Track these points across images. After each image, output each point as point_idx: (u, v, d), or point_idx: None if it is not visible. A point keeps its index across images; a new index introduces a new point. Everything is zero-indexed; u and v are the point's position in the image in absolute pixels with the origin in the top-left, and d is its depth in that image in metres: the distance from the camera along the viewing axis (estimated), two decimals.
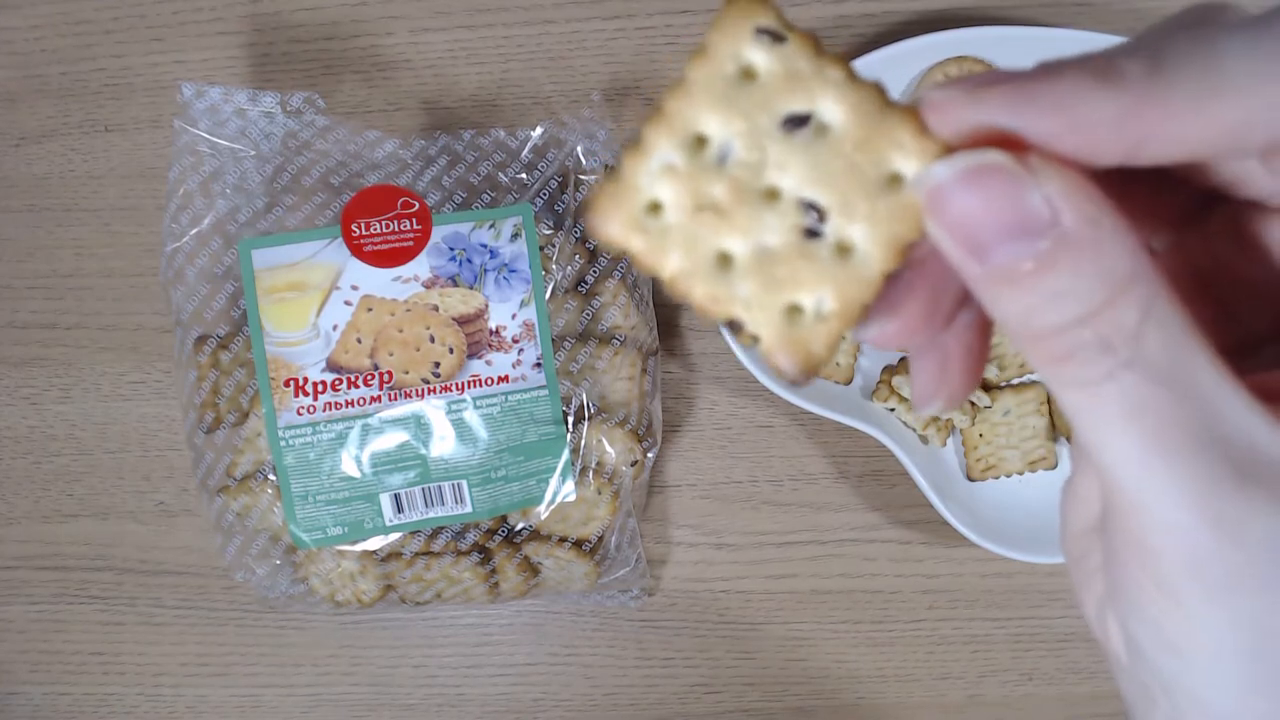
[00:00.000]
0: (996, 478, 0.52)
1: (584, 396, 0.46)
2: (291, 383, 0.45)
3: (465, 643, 0.55)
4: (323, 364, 0.45)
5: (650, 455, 0.48)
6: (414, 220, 0.46)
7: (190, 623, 0.55)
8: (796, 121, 0.19)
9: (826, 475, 0.54)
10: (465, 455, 0.46)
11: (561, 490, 0.46)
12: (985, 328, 0.21)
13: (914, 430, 0.52)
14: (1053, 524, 0.50)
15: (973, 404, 0.51)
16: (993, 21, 0.52)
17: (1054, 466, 0.52)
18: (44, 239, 0.55)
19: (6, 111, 0.55)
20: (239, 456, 0.46)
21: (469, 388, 0.45)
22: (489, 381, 0.46)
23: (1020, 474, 0.52)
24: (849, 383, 0.52)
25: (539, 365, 0.46)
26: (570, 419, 0.46)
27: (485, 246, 0.46)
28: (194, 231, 0.47)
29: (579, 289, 0.48)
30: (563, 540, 0.47)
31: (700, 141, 0.19)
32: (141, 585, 0.55)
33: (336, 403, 0.45)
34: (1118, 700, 0.54)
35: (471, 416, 0.46)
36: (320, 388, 0.45)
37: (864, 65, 0.49)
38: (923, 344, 0.21)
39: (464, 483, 0.46)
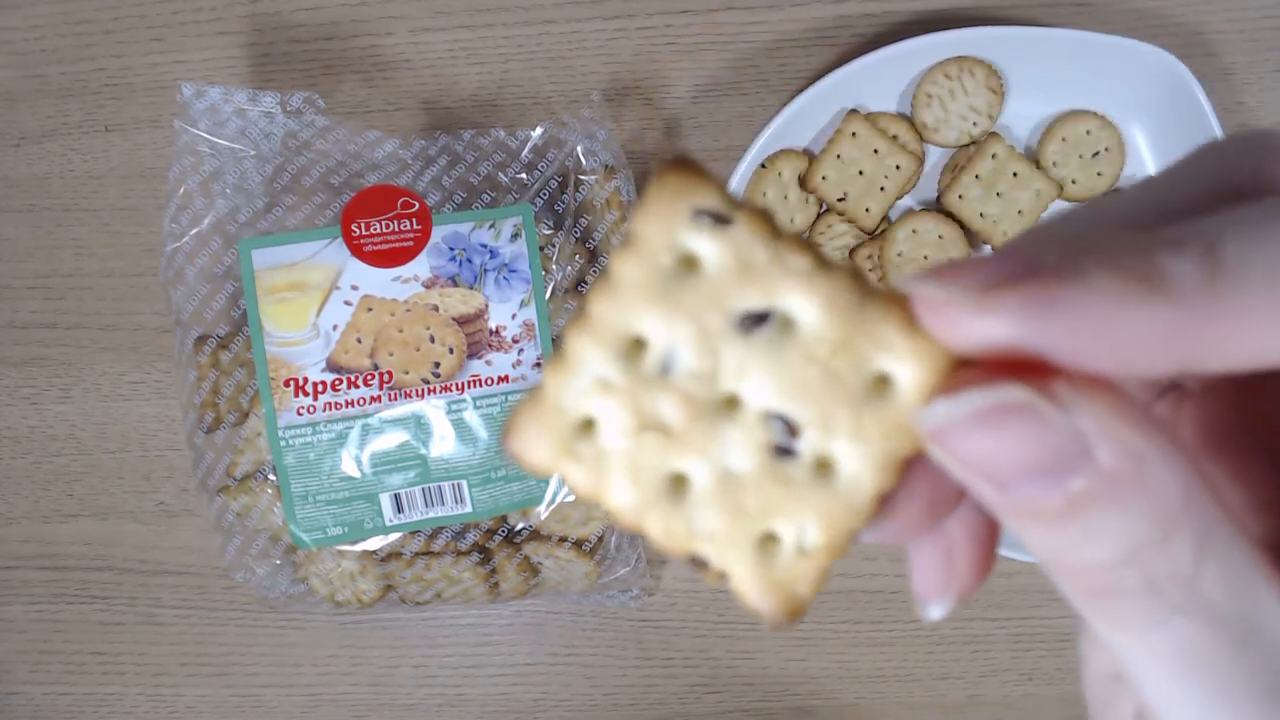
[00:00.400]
0: None
1: None
2: (291, 383, 0.45)
3: (465, 643, 0.55)
4: (323, 364, 0.45)
5: None
6: (414, 220, 0.46)
7: (190, 623, 0.55)
8: (755, 320, 0.15)
9: None
10: (465, 455, 0.46)
11: (561, 490, 0.46)
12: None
13: None
14: None
15: None
16: (993, 21, 0.52)
17: None
18: (44, 239, 0.55)
19: (6, 111, 0.55)
20: (239, 456, 0.46)
21: (469, 388, 0.45)
22: (489, 381, 0.46)
23: None
24: None
25: (539, 365, 0.46)
26: None
27: (485, 246, 0.46)
28: (194, 231, 0.47)
29: (579, 289, 0.48)
30: (563, 540, 0.47)
31: (637, 345, 0.16)
32: (141, 585, 0.55)
33: (336, 403, 0.45)
34: None
35: (471, 416, 0.46)
36: (320, 388, 0.45)
37: (864, 66, 0.49)
38: (924, 538, 0.18)
39: (464, 483, 0.46)
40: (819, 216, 0.52)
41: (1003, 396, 0.14)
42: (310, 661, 0.55)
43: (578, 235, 0.48)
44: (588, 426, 0.16)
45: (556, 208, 0.48)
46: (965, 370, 0.15)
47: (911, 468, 0.16)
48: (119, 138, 0.55)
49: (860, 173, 0.50)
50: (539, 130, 0.48)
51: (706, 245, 0.15)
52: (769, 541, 0.16)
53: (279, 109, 0.47)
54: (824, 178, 0.50)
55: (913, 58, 0.50)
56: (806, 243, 0.16)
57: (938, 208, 0.52)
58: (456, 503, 0.46)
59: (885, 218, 0.52)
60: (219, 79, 0.55)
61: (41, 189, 0.55)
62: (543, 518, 0.47)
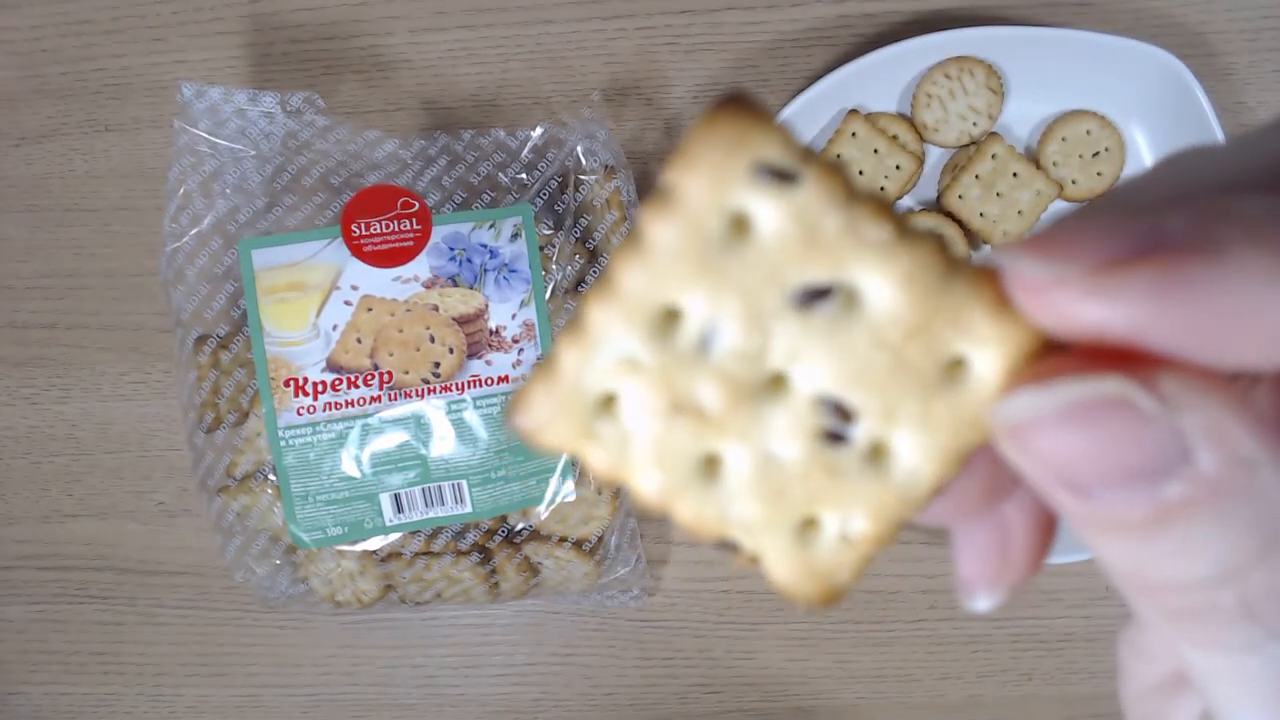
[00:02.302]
0: None
1: None
2: (291, 383, 0.45)
3: (465, 643, 0.55)
4: (323, 364, 0.45)
5: None
6: (414, 220, 0.46)
7: (190, 623, 0.55)
8: (815, 295, 0.13)
9: None
10: (465, 455, 0.46)
11: (561, 490, 0.46)
12: None
13: None
14: None
15: None
16: (992, 21, 0.52)
17: None
18: (44, 239, 0.55)
19: (7, 111, 0.55)
20: (239, 456, 0.46)
21: (469, 388, 0.45)
22: (489, 381, 0.46)
23: None
24: None
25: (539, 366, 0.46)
26: None
27: (485, 246, 0.46)
28: (194, 231, 0.47)
29: (579, 289, 0.48)
30: (563, 540, 0.47)
31: (670, 317, 0.14)
32: (141, 585, 0.55)
33: (336, 403, 0.45)
34: (1116, 700, 0.54)
35: (471, 416, 0.46)
36: (320, 388, 0.45)
37: (864, 66, 0.49)
38: (976, 520, 0.16)
39: (464, 483, 0.46)
40: None
41: (1100, 390, 0.12)
42: (310, 661, 0.55)
43: (578, 235, 0.48)
44: (608, 403, 0.14)
45: (556, 208, 0.48)
46: (1051, 357, 0.13)
47: (971, 459, 0.14)
48: (119, 138, 0.55)
49: (860, 173, 0.50)
50: (539, 130, 0.48)
51: (765, 207, 0.13)
52: (809, 527, 0.15)
53: (279, 109, 0.47)
54: None
55: (912, 58, 0.50)
56: (887, 207, 0.13)
57: (938, 207, 0.52)
58: (456, 503, 0.46)
59: None
60: (219, 79, 0.55)
61: (42, 189, 0.55)
62: (543, 518, 0.47)
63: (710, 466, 0.14)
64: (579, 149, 0.48)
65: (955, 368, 0.14)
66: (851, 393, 0.14)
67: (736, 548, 0.15)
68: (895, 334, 0.13)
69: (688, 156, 0.13)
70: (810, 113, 0.50)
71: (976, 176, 0.50)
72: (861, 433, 0.14)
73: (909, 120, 0.51)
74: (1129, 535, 0.12)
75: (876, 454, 0.14)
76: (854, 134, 0.50)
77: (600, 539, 0.48)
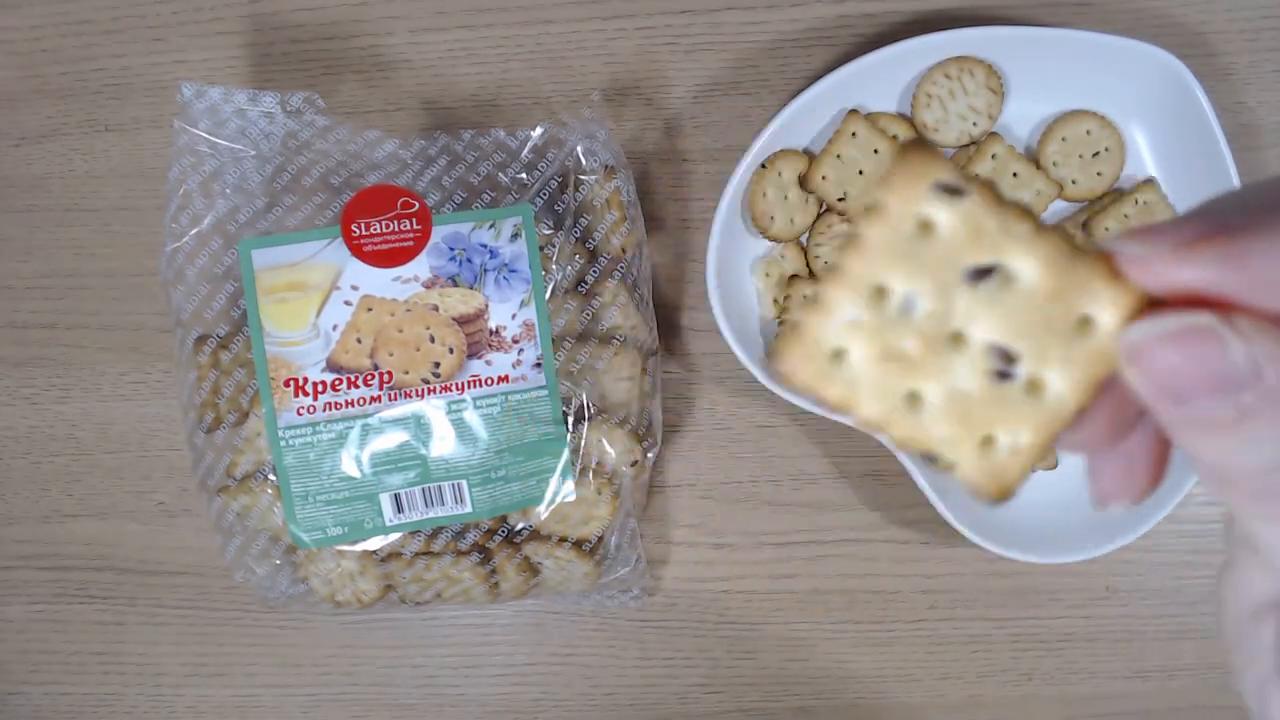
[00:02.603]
0: None
1: (584, 397, 0.46)
2: (291, 383, 0.45)
3: (465, 643, 0.55)
4: (323, 364, 0.45)
5: (650, 455, 0.48)
6: (414, 220, 0.46)
7: (190, 623, 0.55)
8: (982, 273, 0.19)
9: (827, 475, 0.54)
10: (465, 455, 0.46)
11: (561, 490, 0.46)
12: None
13: None
14: (1052, 523, 0.50)
15: None
16: (992, 21, 0.52)
17: (1054, 467, 0.52)
18: (44, 239, 0.55)
19: (6, 111, 0.55)
20: (239, 456, 0.46)
21: (469, 388, 0.45)
22: (489, 381, 0.46)
23: None
24: None
25: (539, 365, 0.46)
26: (570, 419, 0.46)
27: (485, 246, 0.46)
28: (194, 231, 0.47)
29: (579, 289, 0.48)
30: (563, 540, 0.47)
31: (880, 293, 0.20)
32: (141, 585, 0.55)
33: (336, 403, 0.45)
34: (1116, 700, 0.54)
35: (471, 416, 0.45)
36: (320, 388, 0.45)
37: (864, 66, 0.49)
38: (1108, 449, 0.21)
39: (464, 483, 0.46)
40: (819, 216, 0.52)
41: (1194, 320, 0.17)
42: (310, 662, 0.55)
43: (578, 235, 0.48)
44: (839, 355, 0.20)
45: (556, 208, 0.48)
46: (1156, 308, 0.18)
47: (1102, 391, 0.19)
48: (119, 138, 0.55)
49: (861, 172, 0.50)
50: (539, 130, 0.48)
51: (943, 213, 0.19)
52: (988, 442, 0.20)
53: (279, 109, 0.47)
54: (824, 177, 0.50)
55: (912, 58, 0.50)
56: (1027, 210, 0.19)
57: None
58: (456, 503, 0.46)
59: None
60: (219, 79, 0.55)
61: (41, 189, 0.55)
62: (543, 518, 0.47)
63: (914, 399, 0.20)
64: (579, 149, 0.48)
65: (1085, 323, 0.19)
66: (1013, 342, 0.19)
67: (936, 458, 0.20)
68: (1039, 298, 0.19)
69: (888, 181, 0.19)
70: (810, 113, 0.50)
71: (977, 177, 0.50)
72: (1022, 371, 0.20)
73: (909, 120, 0.51)
74: (1215, 433, 0.17)
75: (1033, 386, 0.20)
76: (854, 134, 0.50)
77: (600, 539, 0.48)
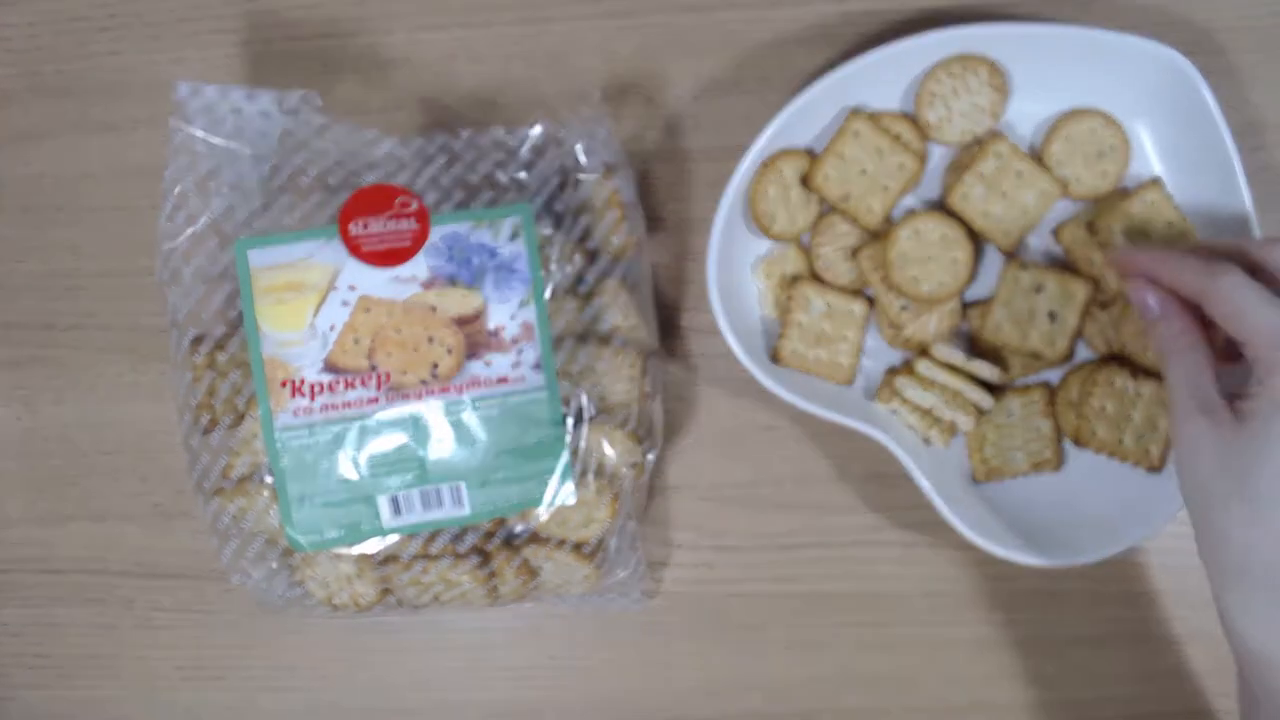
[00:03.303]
0: (1001, 479, 0.51)
1: (584, 398, 0.46)
2: (288, 384, 0.44)
3: (464, 646, 0.54)
4: (320, 365, 0.45)
5: (651, 457, 0.48)
6: (412, 220, 0.45)
7: (186, 626, 0.55)
8: None
9: (828, 477, 0.53)
10: (464, 457, 0.45)
11: (561, 492, 0.46)
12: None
13: (916, 432, 0.51)
14: (1057, 526, 0.50)
15: (977, 407, 0.50)
16: (996, 18, 0.52)
17: (1058, 468, 0.51)
18: (39, 239, 0.55)
19: (1, 110, 0.55)
20: (235, 458, 0.46)
21: (467, 389, 0.45)
22: (488, 383, 0.45)
23: (1025, 475, 0.51)
24: (850, 383, 0.52)
25: (538, 366, 0.46)
26: (570, 420, 0.46)
27: (484, 246, 0.46)
28: (190, 231, 0.46)
29: (578, 289, 0.47)
30: (562, 543, 0.47)
31: None
32: (137, 588, 0.55)
33: (334, 404, 0.44)
34: (1123, 704, 0.53)
35: (470, 418, 0.45)
36: (317, 389, 0.44)
37: (867, 64, 0.48)
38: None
39: (462, 485, 0.45)
40: (821, 216, 0.52)
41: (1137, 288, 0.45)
42: (307, 665, 0.55)
43: (577, 235, 0.47)
44: None
45: (556, 207, 0.48)
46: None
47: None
48: (114, 136, 0.55)
49: (863, 172, 0.50)
50: (538, 129, 0.48)
51: None
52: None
53: (276, 108, 0.47)
54: (827, 177, 0.50)
55: (915, 55, 0.49)
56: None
57: (941, 207, 0.51)
58: (455, 505, 0.45)
59: (888, 217, 0.51)
60: (215, 77, 0.54)
61: (36, 188, 0.55)
62: (542, 520, 0.46)
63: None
64: (578, 148, 0.48)
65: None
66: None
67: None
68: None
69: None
70: (812, 111, 0.50)
71: (980, 175, 0.49)
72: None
73: (912, 119, 0.51)
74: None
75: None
76: (856, 133, 0.50)
77: (600, 542, 0.47)
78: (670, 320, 0.54)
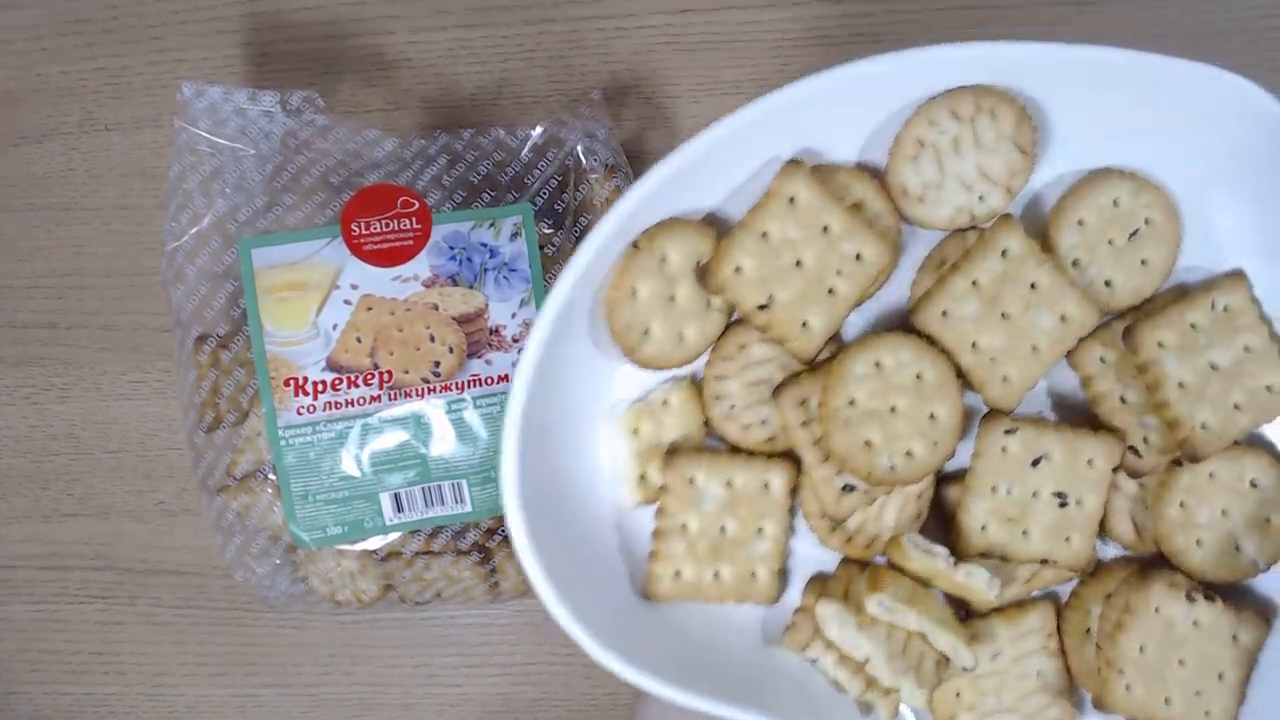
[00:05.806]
0: None
1: None
2: (291, 382, 0.45)
3: (465, 642, 0.55)
4: (323, 363, 0.45)
5: None
6: (414, 219, 0.46)
7: (190, 622, 0.55)
8: None
9: None
10: (465, 454, 0.46)
11: None
12: None
13: (847, 693, 0.34)
14: None
15: (941, 658, 0.33)
16: (997, 19, 0.51)
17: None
18: (44, 238, 0.55)
19: (6, 111, 0.55)
20: (239, 456, 0.46)
21: (469, 387, 0.45)
22: (489, 381, 0.46)
23: None
24: (775, 600, 0.37)
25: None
26: None
27: (485, 245, 0.46)
28: (194, 231, 0.47)
29: None
30: None
31: None
32: (141, 585, 0.55)
33: (336, 402, 0.45)
34: None
35: (471, 416, 0.45)
36: (320, 387, 0.45)
37: (820, 88, 0.30)
38: None
39: (464, 482, 0.46)
40: (726, 331, 0.34)
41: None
42: (310, 661, 0.55)
43: (578, 235, 0.48)
44: None
45: (556, 207, 0.48)
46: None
47: None
48: (119, 137, 0.55)
49: (798, 263, 0.33)
50: (539, 129, 0.48)
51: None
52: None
53: (279, 108, 0.47)
54: (738, 269, 0.33)
55: (901, 79, 0.32)
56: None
57: (906, 325, 0.34)
58: (456, 502, 0.46)
59: (833, 339, 0.34)
60: (219, 78, 0.55)
61: (41, 188, 0.55)
62: None
63: None
64: (579, 148, 0.48)
65: None
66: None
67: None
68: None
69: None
70: (723, 157, 0.32)
71: (974, 283, 0.33)
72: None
73: (881, 180, 0.34)
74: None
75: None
76: (792, 199, 0.33)
77: None
78: None
